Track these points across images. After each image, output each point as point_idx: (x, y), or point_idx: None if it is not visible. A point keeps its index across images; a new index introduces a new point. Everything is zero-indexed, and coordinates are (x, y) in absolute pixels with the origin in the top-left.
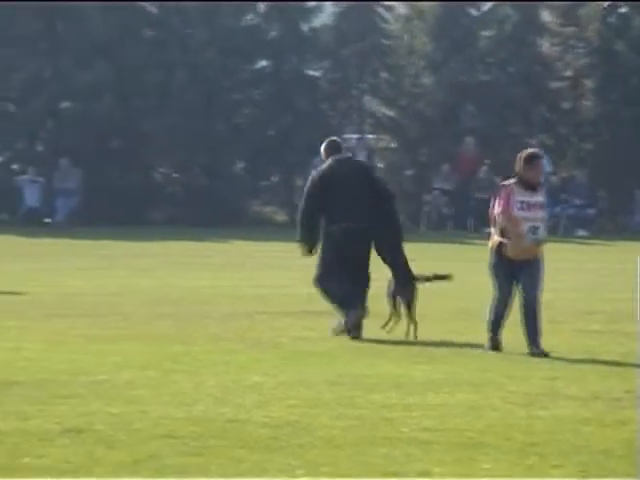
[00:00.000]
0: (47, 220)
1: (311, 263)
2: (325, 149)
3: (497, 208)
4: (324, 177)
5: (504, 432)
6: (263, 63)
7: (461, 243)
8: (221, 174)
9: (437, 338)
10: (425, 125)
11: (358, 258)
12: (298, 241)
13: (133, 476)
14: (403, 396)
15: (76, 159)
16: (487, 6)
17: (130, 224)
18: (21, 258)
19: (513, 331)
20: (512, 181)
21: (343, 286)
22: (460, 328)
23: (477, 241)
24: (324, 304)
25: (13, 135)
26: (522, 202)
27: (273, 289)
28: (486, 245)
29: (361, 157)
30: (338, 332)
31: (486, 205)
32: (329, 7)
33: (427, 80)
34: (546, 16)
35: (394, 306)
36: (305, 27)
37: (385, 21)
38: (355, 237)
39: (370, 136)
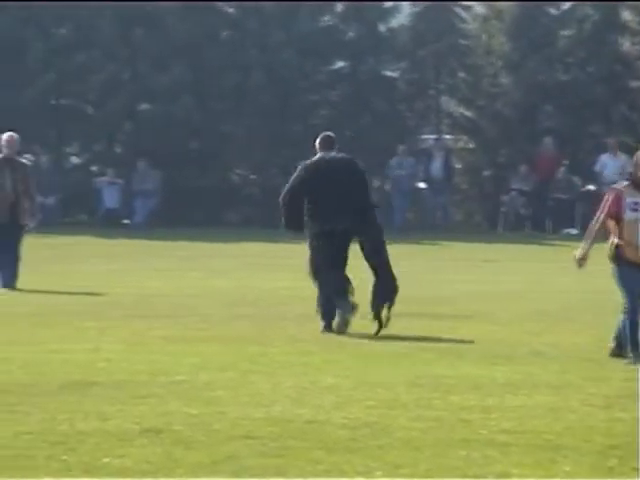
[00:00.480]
0: (125, 221)
1: (393, 266)
2: (318, 143)
3: (605, 212)
4: (309, 171)
5: (583, 434)
6: (340, 64)
7: (539, 244)
8: None
9: (514, 339)
10: (503, 125)
11: (342, 258)
12: (284, 227)
13: (212, 477)
14: (481, 398)
15: (154, 161)
16: (566, 5)
17: (207, 225)
18: (100, 259)
19: (590, 332)
20: (624, 184)
21: (331, 288)
22: (537, 329)
23: (555, 242)
24: (401, 305)
25: (92, 137)
26: (636, 203)
27: None
28: (564, 246)
29: (438, 158)
30: (341, 329)
31: (564, 206)
32: (406, 8)
33: (505, 80)
34: (627, 15)
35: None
36: (382, 28)
37: (463, 21)
38: (339, 238)
39: (447, 137)
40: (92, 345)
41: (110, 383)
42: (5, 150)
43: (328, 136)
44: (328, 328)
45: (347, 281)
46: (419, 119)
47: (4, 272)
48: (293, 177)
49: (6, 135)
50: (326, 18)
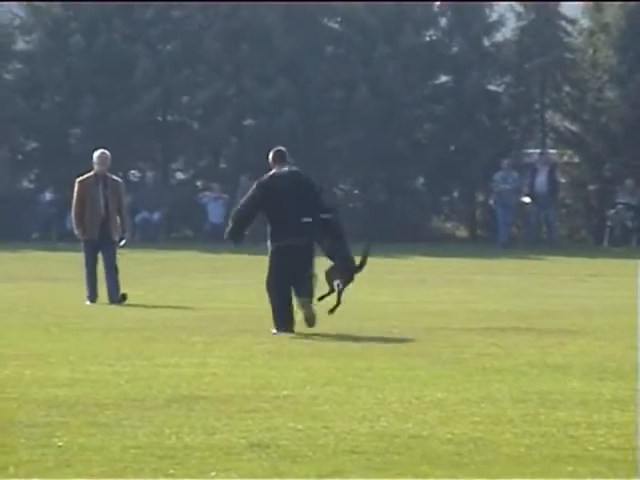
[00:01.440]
0: None
1: (498, 281)
2: (271, 158)
3: None
4: (264, 188)
5: None
6: (444, 78)
7: None
8: (401, 190)
9: (621, 355)
10: (609, 139)
11: (300, 270)
12: (226, 236)
13: None
14: (588, 414)
15: (258, 175)
16: None
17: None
18: (205, 274)
19: None
20: None
21: (285, 308)
22: None
23: None
24: (508, 320)
25: (197, 153)
26: None
27: (455, 305)
28: None
29: (543, 172)
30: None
31: None
32: (511, 22)
33: (611, 94)
34: None
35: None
36: (487, 42)
37: (568, 35)
38: (296, 253)
39: (552, 151)
40: (198, 359)
41: (216, 397)
42: (97, 167)
43: (280, 151)
44: (283, 328)
45: (305, 287)
46: (524, 133)
47: (107, 285)
48: (248, 195)
49: (98, 152)
50: (430, 32)
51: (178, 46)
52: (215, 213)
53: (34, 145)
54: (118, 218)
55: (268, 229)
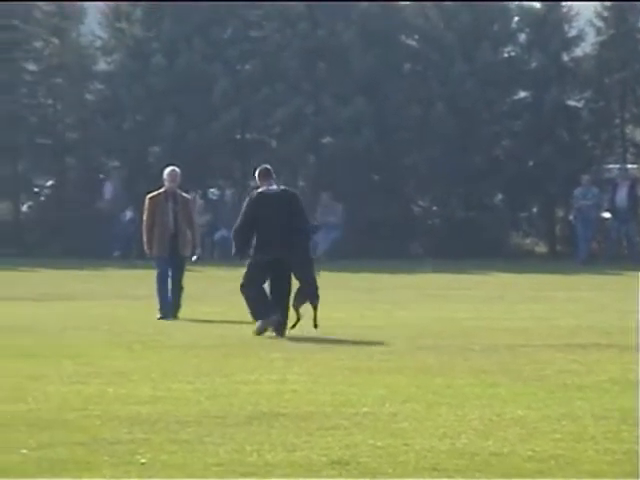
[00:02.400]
0: None
1: (579, 297)
2: (258, 176)
3: None
4: (252, 207)
5: None
6: (523, 94)
7: None
8: (480, 206)
9: None
10: None
11: (279, 280)
12: (234, 255)
13: None
14: None
15: (337, 193)
16: None
17: (390, 256)
18: None
19: None
20: None
21: (261, 297)
22: None
23: None
24: (589, 337)
25: (276, 170)
26: None
27: (535, 321)
28: None
29: (623, 187)
30: (259, 332)
31: None
32: (591, 36)
33: None
34: None
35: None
36: (566, 57)
37: None
38: (275, 266)
39: (633, 166)
40: (278, 376)
41: (296, 414)
42: (167, 184)
43: (266, 169)
44: (263, 316)
45: (281, 296)
46: (603, 148)
47: (171, 301)
48: (242, 212)
49: (168, 169)
50: (508, 48)
51: (257, 65)
52: None
53: (115, 164)
54: (189, 234)
55: (254, 242)
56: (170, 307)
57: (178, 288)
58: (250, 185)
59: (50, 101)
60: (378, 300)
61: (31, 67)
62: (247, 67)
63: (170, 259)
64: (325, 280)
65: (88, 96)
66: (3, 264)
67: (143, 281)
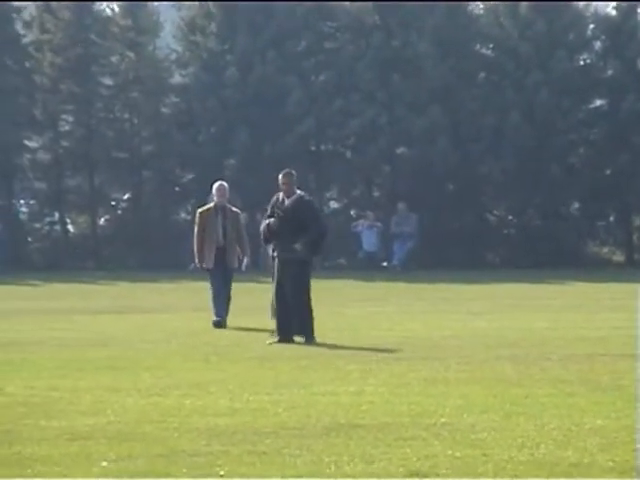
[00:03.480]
0: (384, 264)
1: None
2: (281, 181)
3: None
4: (271, 207)
5: None
6: (599, 102)
7: None
8: (556, 215)
9: None
10: None
11: (295, 285)
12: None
13: None
14: None
15: (412, 203)
16: None
17: (465, 267)
18: (360, 302)
19: None
20: None
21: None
22: None
23: None
24: None
25: (351, 181)
26: None
27: (613, 331)
28: None
29: None
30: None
31: None
32: None
33: None
34: None
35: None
36: None
37: None
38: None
39: None
40: (355, 387)
41: (374, 425)
42: (217, 199)
43: (287, 172)
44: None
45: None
46: None
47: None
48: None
49: (217, 184)
50: (584, 56)
51: (331, 76)
52: (369, 241)
53: (190, 176)
54: (238, 248)
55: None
56: (223, 317)
57: (226, 299)
58: (325, 196)
59: (126, 115)
60: (454, 310)
61: (107, 81)
62: (321, 78)
63: (218, 271)
64: (401, 290)
65: (163, 109)
66: (82, 277)
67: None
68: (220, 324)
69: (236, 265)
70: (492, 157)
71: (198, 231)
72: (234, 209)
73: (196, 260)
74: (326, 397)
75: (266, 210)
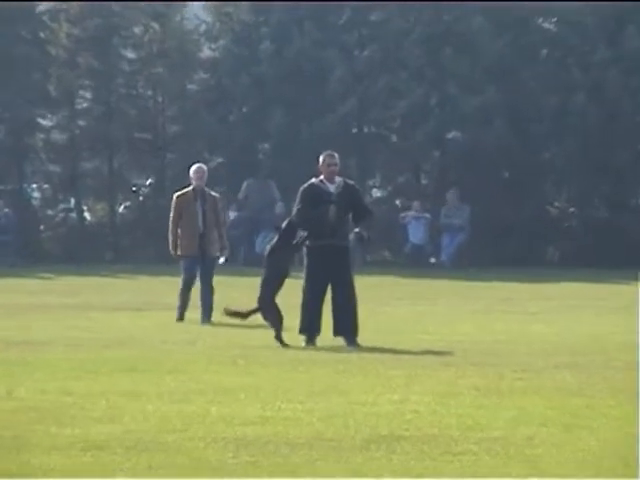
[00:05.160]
0: (432, 259)
1: None
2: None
3: None
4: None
5: None
6: None
7: None
8: (624, 206)
9: None
10: None
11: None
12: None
13: None
14: None
15: (464, 192)
16: None
17: (523, 263)
18: (405, 301)
19: None
20: None
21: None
22: None
23: None
24: None
25: (396, 168)
26: None
27: None
28: None
29: None
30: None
31: None
32: None
33: None
34: None
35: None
36: None
37: None
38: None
39: None
40: (399, 396)
41: (419, 438)
42: (195, 182)
43: (334, 155)
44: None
45: None
46: None
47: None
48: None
49: (195, 166)
50: None
51: (376, 52)
52: (417, 233)
53: (220, 160)
54: (216, 234)
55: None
56: (206, 312)
57: (209, 290)
58: (368, 184)
59: (150, 92)
60: (509, 312)
61: (130, 55)
62: (365, 54)
63: (199, 260)
64: (450, 289)
65: (191, 86)
66: (99, 270)
67: (250, 290)
68: (181, 318)
69: (217, 254)
70: (554, 141)
71: (174, 217)
72: (213, 193)
73: (170, 248)
74: (366, 406)
75: (302, 201)
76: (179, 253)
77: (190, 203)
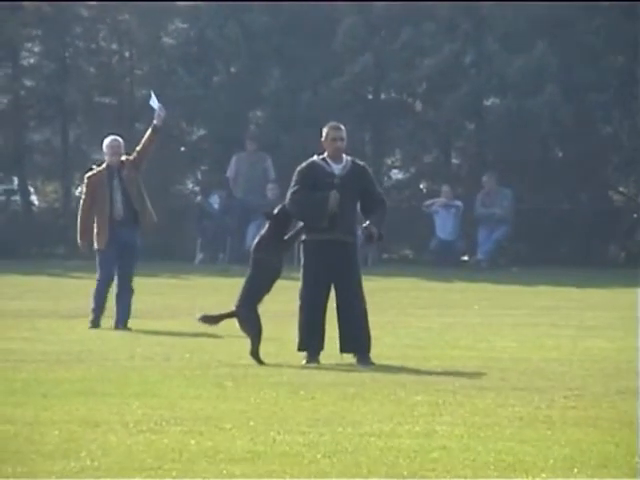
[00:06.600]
0: (464, 258)
1: None
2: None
3: None
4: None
5: None
6: None
7: None
8: None
9: None
10: None
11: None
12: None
13: None
14: None
15: (505, 176)
16: None
17: (578, 264)
18: (431, 310)
19: None
20: None
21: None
22: None
23: None
24: None
25: (421, 143)
26: None
27: None
28: None
29: None
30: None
31: None
32: None
33: None
34: None
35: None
36: None
37: None
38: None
39: None
40: (422, 427)
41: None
42: (109, 158)
43: (341, 127)
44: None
45: None
46: None
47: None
48: None
49: (109, 139)
50: None
51: None
52: (445, 226)
53: (201, 133)
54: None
55: None
56: (120, 314)
57: (128, 291)
58: (385, 163)
59: (114, 45)
60: (561, 324)
61: None
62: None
63: (113, 254)
64: (487, 294)
65: (165, 39)
66: (49, 267)
67: (235, 294)
68: (97, 325)
69: (138, 242)
70: (619, 113)
71: (85, 201)
72: (128, 158)
73: (79, 239)
74: (382, 439)
75: (297, 182)
76: (95, 247)
77: (103, 184)
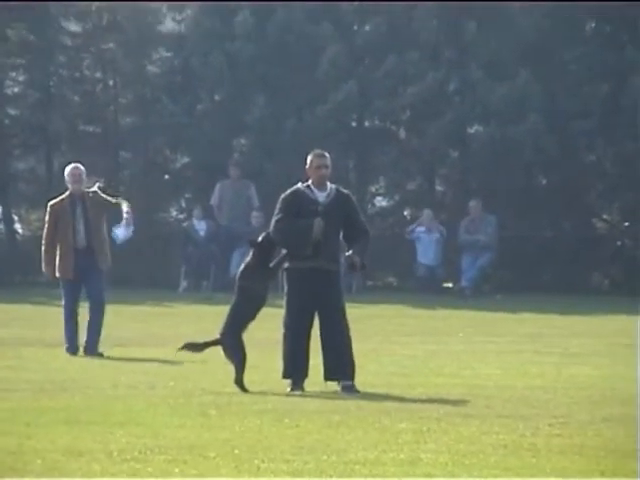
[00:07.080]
0: (447, 285)
1: None
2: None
3: None
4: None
5: None
6: None
7: None
8: None
9: None
10: None
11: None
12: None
13: None
14: None
15: (489, 202)
16: None
17: (561, 291)
18: (414, 337)
19: None
20: None
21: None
22: None
23: None
24: None
25: (404, 171)
26: None
27: None
28: None
29: None
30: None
31: None
32: None
33: None
34: None
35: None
36: None
37: None
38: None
39: None
40: (407, 454)
41: None
42: (71, 186)
43: (326, 155)
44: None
45: None
46: None
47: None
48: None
49: (70, 167)
50: None
51: (380, 26)
52: (427, 252)
53: (185, 160)
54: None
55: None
56: (89, 341)
57: (98, 315)
58: (369, 191)
59: (98, 74)
60: (546, 351)
61: (73, 27)
62: (367, 29)
63: (76, 284)
64: (471, 322)
65: (150, 67)
66: (33, 296)
67: (219, 322)
68: (73, 350)
69: (105, 268)
70: (602, 140)
71: (48, 229)
72: (92, 192)
73: (43, 268)
74: (367, 467)
75: (281, 210)
76: (57, 275)
77: (66, 213)
